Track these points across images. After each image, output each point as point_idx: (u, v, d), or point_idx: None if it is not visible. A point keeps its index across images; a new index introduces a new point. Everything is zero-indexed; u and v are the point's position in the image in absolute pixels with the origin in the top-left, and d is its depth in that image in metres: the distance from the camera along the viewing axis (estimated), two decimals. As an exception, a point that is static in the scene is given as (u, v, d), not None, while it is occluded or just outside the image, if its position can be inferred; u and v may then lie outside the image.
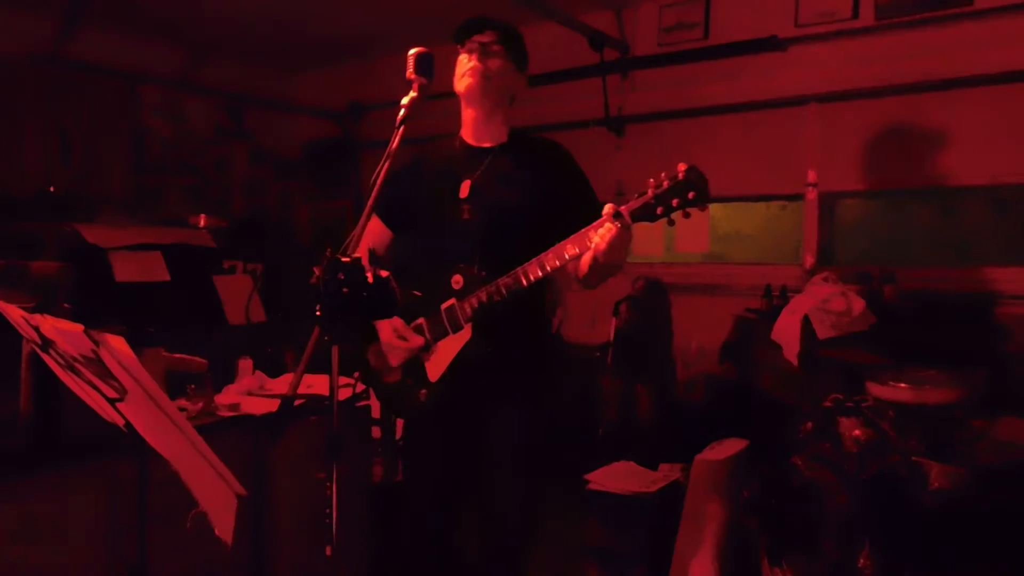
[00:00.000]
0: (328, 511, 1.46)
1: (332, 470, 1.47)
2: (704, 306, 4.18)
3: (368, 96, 5.59)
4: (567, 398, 3.96)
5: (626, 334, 3.99)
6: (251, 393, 2.59)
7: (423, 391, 2.05)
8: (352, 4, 4.58)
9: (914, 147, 3.71)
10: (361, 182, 5.88)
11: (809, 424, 2.77)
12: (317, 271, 1.44)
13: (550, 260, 1.83)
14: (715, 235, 4.47)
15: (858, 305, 3.17)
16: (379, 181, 1.64)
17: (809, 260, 4.02)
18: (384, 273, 1.50)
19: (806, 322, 3.14)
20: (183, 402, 2.29)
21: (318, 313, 1.44)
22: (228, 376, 2.69)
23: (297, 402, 2.44)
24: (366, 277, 1.46)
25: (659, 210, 1.67)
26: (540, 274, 1.85)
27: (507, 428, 2.05)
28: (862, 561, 2.48)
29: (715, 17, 4.31)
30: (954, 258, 3.71)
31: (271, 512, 2.41)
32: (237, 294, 3.25)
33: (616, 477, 3.08)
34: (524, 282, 1.86)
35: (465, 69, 2.02)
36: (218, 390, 2.51)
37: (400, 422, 2.83)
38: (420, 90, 1.70)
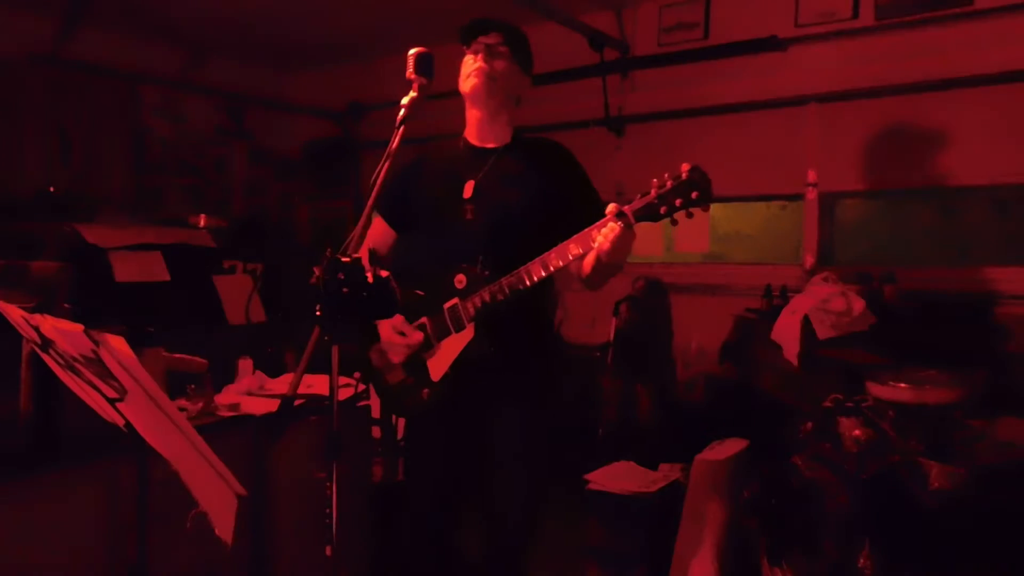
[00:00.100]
0: (328, 511, 1.46)
1: (332, 470, 1.47)
2: (704, 306, 4.18)
3: (368, 96, 5.59)
4: (567, 398, 3.96)
5: (626, 334, 3.99)
6: (251, 393, 2.59)
7: (425, 390, 2.05)
8: (352, 4, 4.58)
9: (914, 147, 3.71)
10: (361, 182, 5.88)
11: (809, 424, 2.77)
12: (317, 271, 1.44)
13: (553, 260, 1.84)
14: (715, 235, 4.47)
15: (858, 305, 3.17)
16: (379, 181, 1.64)
17: (809, 260, 4.02)
18: (384, 273, 1.50)
19: (806, 322, 3.14)
20: (183, 402, 2.29)
21: (318, 313, 1.44)
22: (228, 376, 2.69)
23: (297, 402, 2.44)
24: (366, 277, 1.46)
25: (662, 210, 1.68)
26: (543, 274, 1.85)
27: (509, 428, 2.05)
28: (862, 561, 2.48)
29: (715, 17, 4.31)
30: (954, 258, 3.72)
31: (271, 512, 2.41)
32: (237, 294, 3.25)
33: (616, 477, 3.08)
34: (527, 281, 1.86)
35: (470, 70, 2.02)
36: (218, 390, 2.51)
37: (402, 422, 2.82)
38: (420, 90, 1.70)
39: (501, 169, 2.06)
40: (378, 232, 2.23)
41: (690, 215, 1.67)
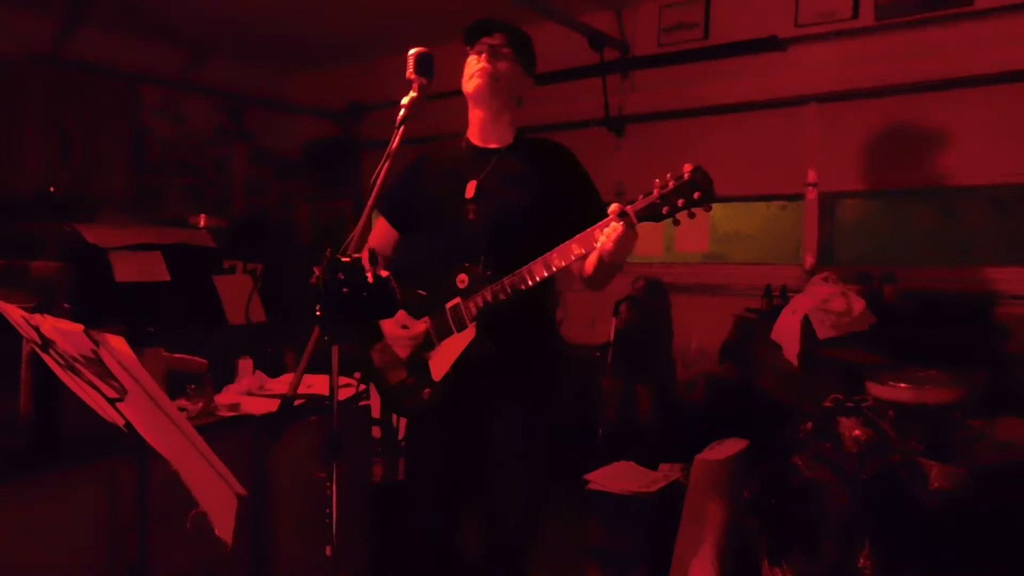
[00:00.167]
0: (328, 511, 1.46)
1: (332, 470, 1.47)
2: (704, 306, 4.18)
3: (368, 96, 5.59)
4: (567, 398, 3.96)
5: (626, 334, 3.99)
6: (251, 393, 2.59)
7: (427, 390, 2.05)
8: (352, 4, 4.58)
9: (914, 147, 3.71)
10: (361, 182, 5.88)
11: (809, 424, 2.77)
12: (317, 271, 1.44)
13: (555, 259, 1.84)
14: (715, 235, 4.47)
15: (858, 305, 3.17)
16: (379, 181, 1.64)
17: (809, 260, 4.02)
18: (384, 273, 1.50)
19: (806, 322, 3.14)
20: (183, 402, 2.29)
21: (318, 313, 1.44)
22: (228, 376, 2.69)
23: (297, 402, 2.44)
24: (366, 277, 1.46)
25: (665, 210, 1.69)
26: (545, 273, 1.86)
27: (510, 428, 2.05)
28: (862, 561, 2.48)
29: (715, 17, 4.31)
30: (954, 258, 3.71)
31: (271, 512, 2.41)
32: (237, 294, 3.25)
33: (616, 477, 3.08)
34: (529, 281, 1.87)
35: (474, 70, 2.03)
36: (218, 390, 2.51)
37: (403, 421, 2.83)
38: (420, 90, 1.70)
39: (503, 169, 2.06)
40: (381, 232, 2.24)
41: (692, 215, 1.68)
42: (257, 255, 3.46)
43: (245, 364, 2.75)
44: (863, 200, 4.06)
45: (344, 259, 1.45)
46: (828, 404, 2.75)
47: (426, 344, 2.06)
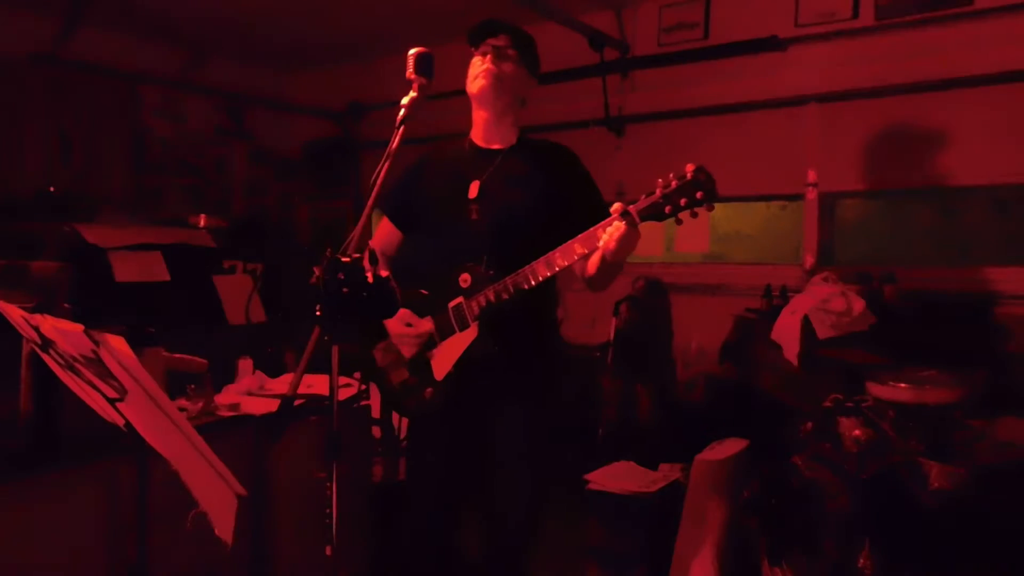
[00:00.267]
0: (328, 511, 1.46)
1: (332, 470, 1.47)
2: (704, 306, 4.18)
3: (368, 96, 5.59)
4: (567, 398, 3.96)
5: (626, 334, 3.99)
6: (251, 393, 2.59)
7: (429, 389, 2.06)
8: (352, 4, 4.58)
9: (914, 147, 3.71)
10: (361, 182, 5.88)
11: (809, 424, 2.77)
12: (317, 271, 1.44)
13: (558, 259, 1.85)
14: (715, 235, 4.47)
15: (858, 305, 3.17)
16: (379, 181, 1.64)
17: (809, 260, 4.02)
18: (384, 273, 1.50)
19: (806, 322, 3.14)
20: (183, 402, 2.29)
21: (318, 313, 1.44)
22: (228, 376, 2.69)
23: (297, 402, 2.43)
24: (366, 277, 1.46)
25: (667, 209, 1.70)
26: (548, 273, 1.86)
27: (512, 427, 2.06)
28: (862, 561, 2.47)
29: (715, 17, 4.31)
30: (954, 258, 3.71)
31: (271, 512, 2.41)
32: (237, 294, 3.25)
33: (616, 477, 3.08)
34: (532, 281, 1.87)
35: (478, 71, 2.04)
36: (218, 390, 2.51)
37: (405, 421, 2.83)
38: (420, 90, 1.70)
39: (506, 170, 2.07)
40: (384, 232, 2.25)
41: (695, 215, 1.69)
42: (257, 255, 3.46)
43: (245, 364, 2.75)
44: (863, 200, 4.06)
45: (344, 259, 1.45)
46: (828, 404, 2.75)
47: (428, 343, 2.06)
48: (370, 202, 1.61)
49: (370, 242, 1.97)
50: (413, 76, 1.71)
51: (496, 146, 2.12)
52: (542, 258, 1.86)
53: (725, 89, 4.19)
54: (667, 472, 3.10)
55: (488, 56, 2.03)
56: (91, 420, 1.56)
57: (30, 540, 1.86)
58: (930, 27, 3.62)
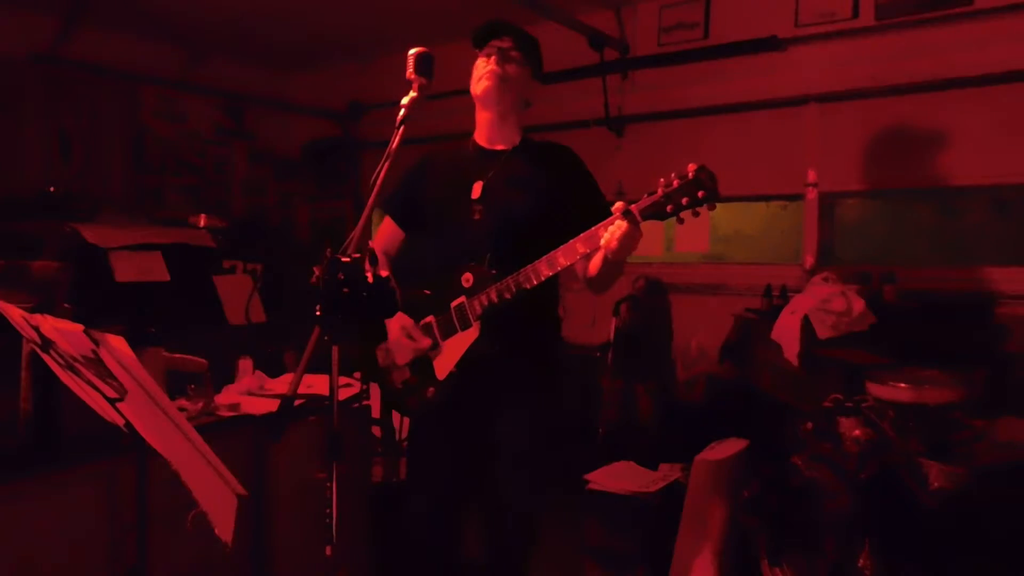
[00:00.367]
0: (328, 511, 1.46)
1: (332, 470, 1.47)
2: (704, 306, 4.19)
3: (368, 96, 5.59)
4: (567, 398, 3.96)
5: (626, 334, 3.99)
6: (251, 393, 2.59)
7: (431, 389, 2.06)
8: (352, 4, 4.58)
9: (914, 147, 3.71)
10: (361, 182, 5.88)
11: (809, 424, 2.77)
12: (317, 271, 1.44)
13: (560, 258, 1.85)
14: (715, 235, 4.47)
15: (858, 305, 3.17)
16: (379, 181, 1.64)
17: (809, 260, 4.02)
18: (384, 273, 1.50)
19: (806, 322, 3.15)
20: (183, 402, 2.29)
21: (318, 313, 1.44)
22: (228, 376, 2.69)
23: (297, 402, 2.44)
24: (366, 277, 1.46)
25: (669, 208, 1.70)
26: (550, 272, 1.87)
27: (513, 427, 2.06)
28: (862, 561, 2.47)
29: (715, 17, 4.31)
30: (954, 258, 3.71)
31: (271, 512, 2.41)
32: (237, 294, 3.25)
33: (616, 477, 3.08)
34: (534, 280, 1.88)
35: (483, 72, 2.05)
36: (218, 390, 2.51)
37: (406, 421, 2.83)
38: (420, 90, 1.70)
39: (509, 171, 2.08)
40: (387, 232, 2.26)
41: (696, 214, 1.69)
42: (257, 255, 3.46)
43: (245, 364, 2.74)
44: (863, 200, 4.06)
45: (344, 259, 1.45)
46: (828, 404, 2.75)
47: (430, 344, 2.07)
48: (370, 202, 1.61)
49: (371, 242, 1.97)
50: (413, 76, 1.71)
51: (499, 147, 2.13)
52: (544, 257, 1.87)
53: (725, 89, 4.19)
54: (667, 472, 3.10)
55: (492, 58, 2.04)
56: (91, 420, 1.56)
57: (30, 540, 1.86)
58: (930, 27, 3.62)
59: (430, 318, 2.08)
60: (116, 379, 1.31)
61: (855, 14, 3.82)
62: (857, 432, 2.61)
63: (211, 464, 1.35)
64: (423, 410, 2.12)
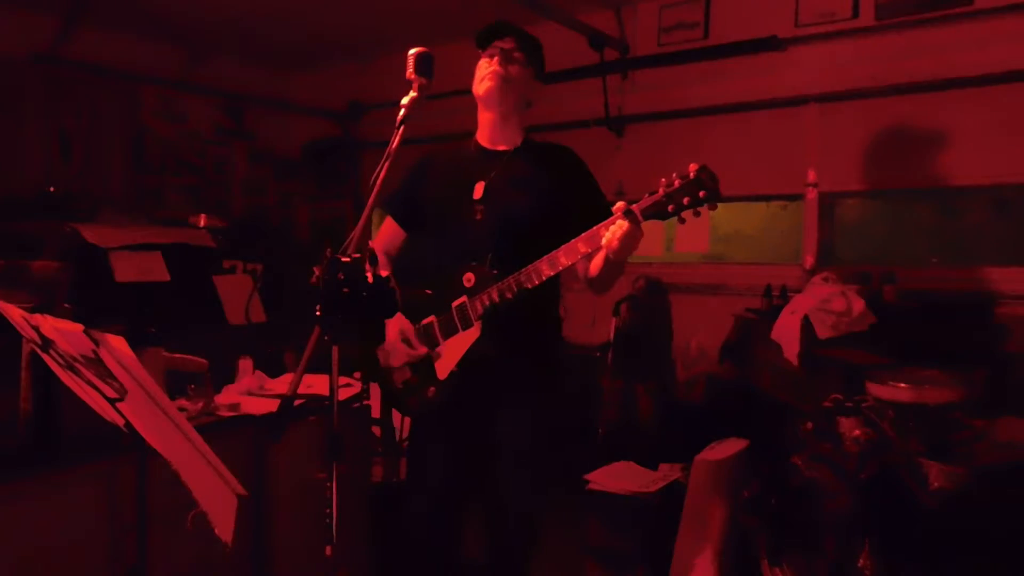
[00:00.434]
0: (328, 511, 1.46)
1: (332, 470, 1.47)
2: (704, 306, 4.18)
3: (368, 96, 5.59)
4: (567, 398, 3.96)
5: (626, 334, 3.99)
6: (251, 393, 2.59)
7: (432, 388, 2.06)
8: (352, 4, 4.58)
9: (914, 147, 3.71)
10: (361, 182, 5.88)
11: (809, 424, 2.77)
12: (317, 271, 1.44)
13: (561, 258, 1.86)
14: (715, 235, 4.47)
15: (858, 305, 3.17)
16: (379, 181, 1.64)
17: (809, 260, 4.02)
18: (384, 273, 1.50)
19: (806, 322, 3.15)
20: (183, 402, 2.29)
21: (318, 313, 1.44)
22: (228, 376, 2.69)
23: (297, 402, 2.44)
24: (366, 277, 1.46)
25: (670, 208, 1.70)
26: (551, 272, 1.87)
27: (513, 427, 2.06)
28: (862, 561, 2.47)
29: (715, 17, 4.31)
30: (954, 258, 3.71)
31: (271, 512, 2.41)
32: (237, 294, 3.25)
33: (616, 477, 3.08)
34: (535, 279, 1.89)
35: (485, 73, 2.06)
36: (218, 390, 2.51)
37: (407, 421, 2.83)
38: (420, 90, 1.70)
39: (511, 171, 2.08)
40: (389, 232, 2.26)
41: (697, 214, 1.70)
42: (257, 255, 3.46)
43: (245, 364, 2.74)
44: (863, 200, 4.06)
45: (344, 259, 1.45)
46: (828, 404, 2.75)
47: (431, 343, 2.07)
48: (370, 202, 1.61)
49: (371, 242, 1.97)
50: (413, 76, 1.71)
51: (501, 147, 2.14)
52: (545, 257, 1.87)
53: (725, 89, 4.19)
54: (667, 472, 3.10)
55: (495, 58, 2.05)
56: (91, 420, 1.56)
57: (30, 540, 1.86)
58: (930, 27, 3.62)
59: (431, 318, 2.08)
60: (116, 379, 1.31)
61: (855, 14, 3.82)
62: (857, 432, 2.61)
63: (211, 464, 1.35)
64: (424, 410, 2.12)
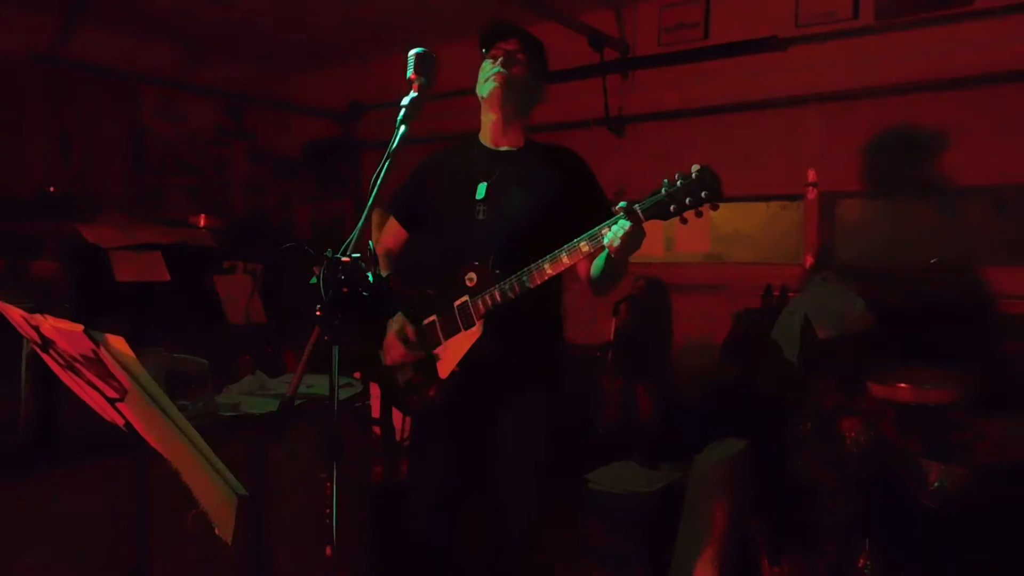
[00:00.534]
0: (328, 511, 1.46)
1: (332, 470, 1.47)
2: (704, 306, 4.18)
3: (368, 96, 5.59)
4: (567, 398, 3.96)
5: (626, 334, 3.99)
6: (251, 393, 2.59)
7: (433, 388, 2.06)
8: (352, 4, 4.58)
9: (914, 147, 3.71)
10: (361, 182, 5.88)
11: (809, 424, 2.77)
12: (317, 271, 1.44)
13: (563, 258, 1.87)
14: (715, 235, 4.47)
15: (858, 305, 3.17)
16: (379, 181, 1.64)
17: (809, 260, 4.02)
18: (384, 272, 1.51)
19: (806, 322, 3.14)
20: (183, 402, 2.29)
21: (318, 313, 1.44)
22: (228, 376, 2.69)
23: (297, 402, 2.44)
24: (366, 277, 1.46)
25: (672, 208, 1.71)
26: (553, 272, 1.88)
27: (514, 427, 2.07)
28: (862, 561, 2.47)
29: (715, 17, 4.31)
30: (954, 258, 3.71)
31: (271, 512, 2.41)
32: (237, 294, 3.25)
33: (616, 477, 3.08)
34: (537, 279, 1.89)
35: (489, 74, 2.07)
36: (218, 390, 2.51)
37: (408, 420, 2.83)
38: (420, 90, 1.70)
39: (514, 172, 2.09)
40: (391, 232, 2.27)
41: (699, 214, 1.70)
42: (257, 255, 3.46)
43: (245, 364, 2.74)
44: (863, 200, 4.06)
45: (344, 259, 1.45)
46: (828, 404, 2.75)
47: (433, 342, 2.07)
48: (370, 202, 1.61)
49: (371, 242, 1.97)
50: (413, 76, 1.71)
51: (504, 148, 2.14)
52: (547, 257, 1.88)
53: (725, 89, 4.19)
54: (667, 472, 3.10)
55: (499, 60, 2.06)
56: (91, 420, 1.56)
57: (30, 540, 1.86)
58: (930, 27, 3.62)
59: (433, 317, 2.08)
60: (116, 379, 1.31)
61: (855, 14, 3.82)
62: (857, 432, 2.61)
63: (211, 464, 1.35)
64: (425, 409, 2.12)
